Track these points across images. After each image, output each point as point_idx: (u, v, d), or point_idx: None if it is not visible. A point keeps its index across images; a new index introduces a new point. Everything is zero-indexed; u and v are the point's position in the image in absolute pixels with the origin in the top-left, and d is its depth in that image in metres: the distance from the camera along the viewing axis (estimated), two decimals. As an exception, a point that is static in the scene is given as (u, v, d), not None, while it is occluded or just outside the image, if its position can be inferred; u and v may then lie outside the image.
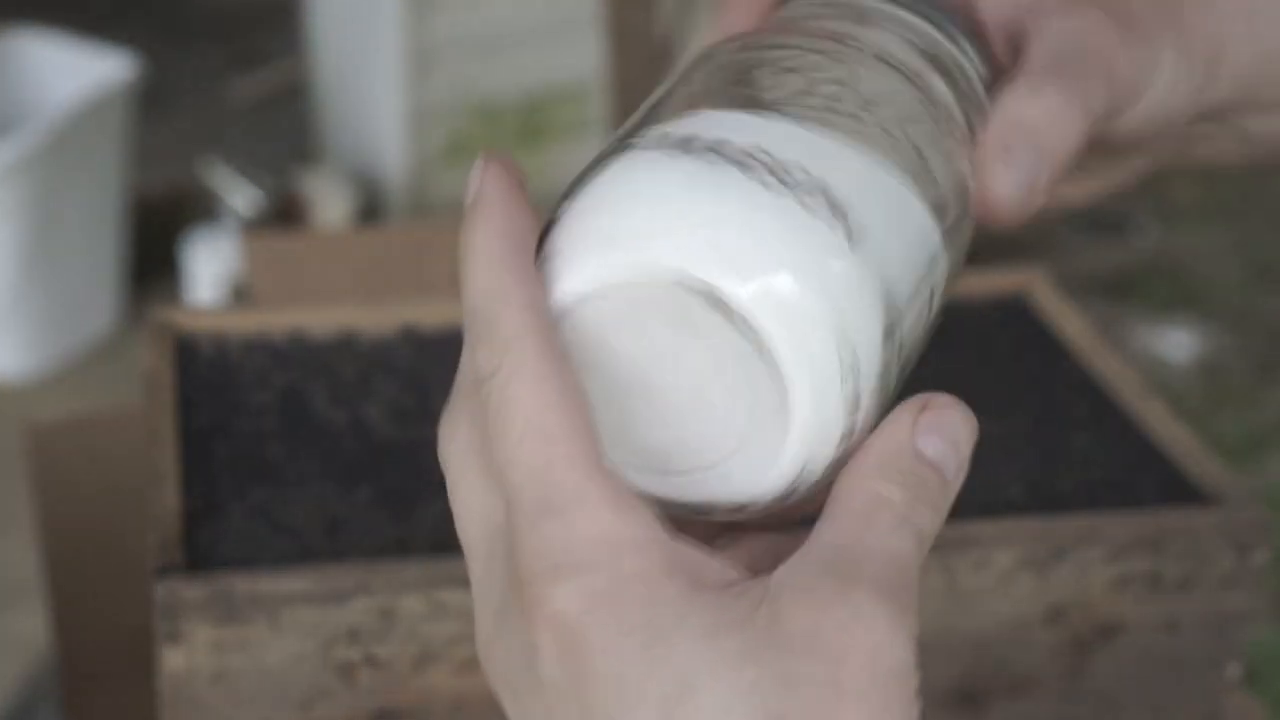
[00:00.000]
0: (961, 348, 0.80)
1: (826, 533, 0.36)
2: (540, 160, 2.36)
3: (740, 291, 0.35)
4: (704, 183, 0.36)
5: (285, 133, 2.73)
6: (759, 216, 0.35)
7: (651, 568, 0.34)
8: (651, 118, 0.39)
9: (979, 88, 0.43)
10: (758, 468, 0.37)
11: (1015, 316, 0.83)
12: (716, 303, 0.35)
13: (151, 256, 2.32)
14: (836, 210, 0.36)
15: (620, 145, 0.38)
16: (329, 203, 2.35)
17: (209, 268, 2.16)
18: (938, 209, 0.39)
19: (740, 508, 0.38)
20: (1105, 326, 0.70)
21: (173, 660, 0.59)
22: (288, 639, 0.60)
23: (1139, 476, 0.71)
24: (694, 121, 0.37)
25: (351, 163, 2.48)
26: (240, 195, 2.34)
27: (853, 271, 0.36)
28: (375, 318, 0.77)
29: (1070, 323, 0.81)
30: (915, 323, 0.40)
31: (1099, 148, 0.45)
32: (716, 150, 0.36)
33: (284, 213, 2.35)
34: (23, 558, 1.78)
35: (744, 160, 0.36)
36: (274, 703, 0.61)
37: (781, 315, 0.35)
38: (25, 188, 2.03)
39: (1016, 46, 0.44)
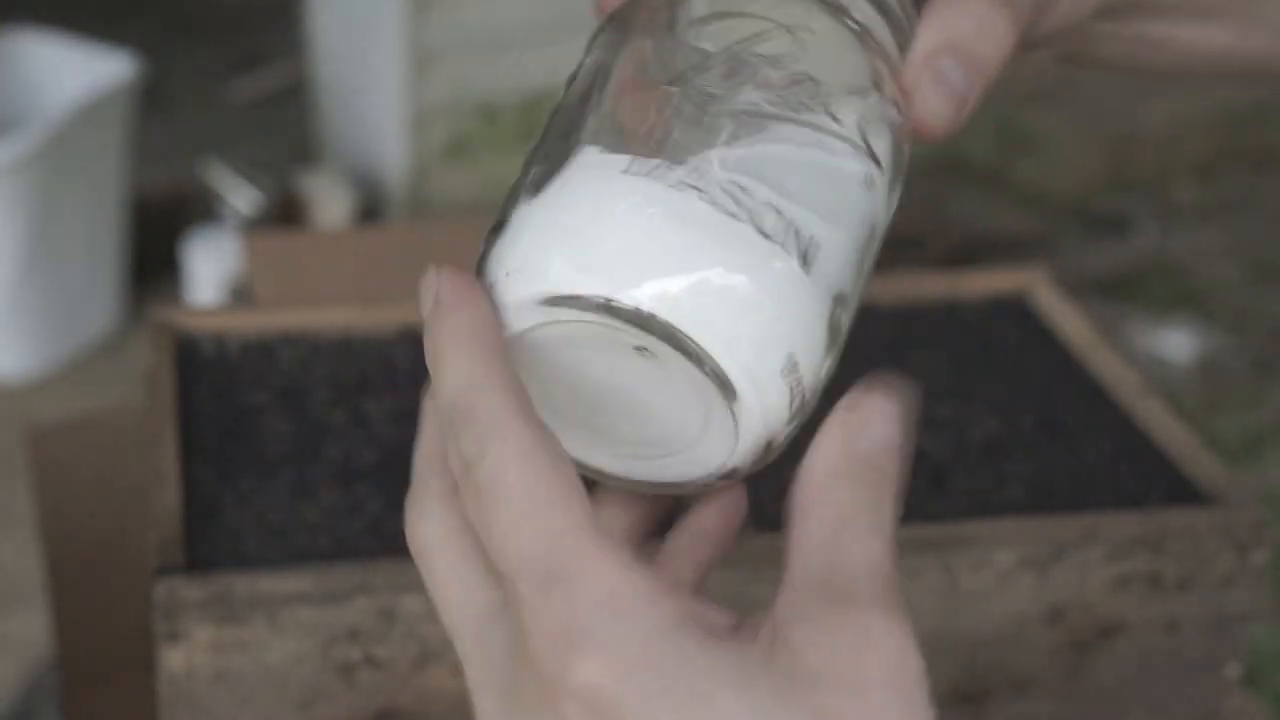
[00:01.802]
0: (961, 348, 0.80)
1: (808, 554, 0.36)
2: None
3: (656, 308, 0.36)
4: (622, 210, 0.37)
5: (285, 132, 2.73)
6: (667, 228, 0.36)
7: (666, 623, 0.34)
8: (578, 123, 0.39)
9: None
10: (721, 448, 0.38)
11: (1015, 316, 0.83)
12: (638, 319, 0.36)
13: (152, 256, 2.32)
14: (750, 206, 0.37)
15: (547, 166, 0.39)
16: (329, 202, 2.35)
17: (209, 267, 2.16)
18: (867, 181, 0.39)
19: (714, 480, 0.40)
20: (1105, 326, 0.71)
21: (173, 660, 0.59)
22: (288, 639, 0.60)
23: (1139, 476, 0.71)
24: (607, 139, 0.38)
25: (352, 163, 2.48)
26: (240, 195, 2.34)
27: (778, 264, 0.37)
28: (375, 317, 0.77)
29: (1070, 323, 0.81)
30: (857, 279, 0.40)
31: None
32: (651, 175, 0.37)
33: (284, 213, 2.35)
34: (23, 558, 1.78)
35: (679, 184, 0.37)
36: (274, 703, 0.61)
37: (698, 316, 0.36)
38: (26, 187, 2.03)
39: None
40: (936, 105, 0.40)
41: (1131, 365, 0.78)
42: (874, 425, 0.38)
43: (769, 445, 0.39)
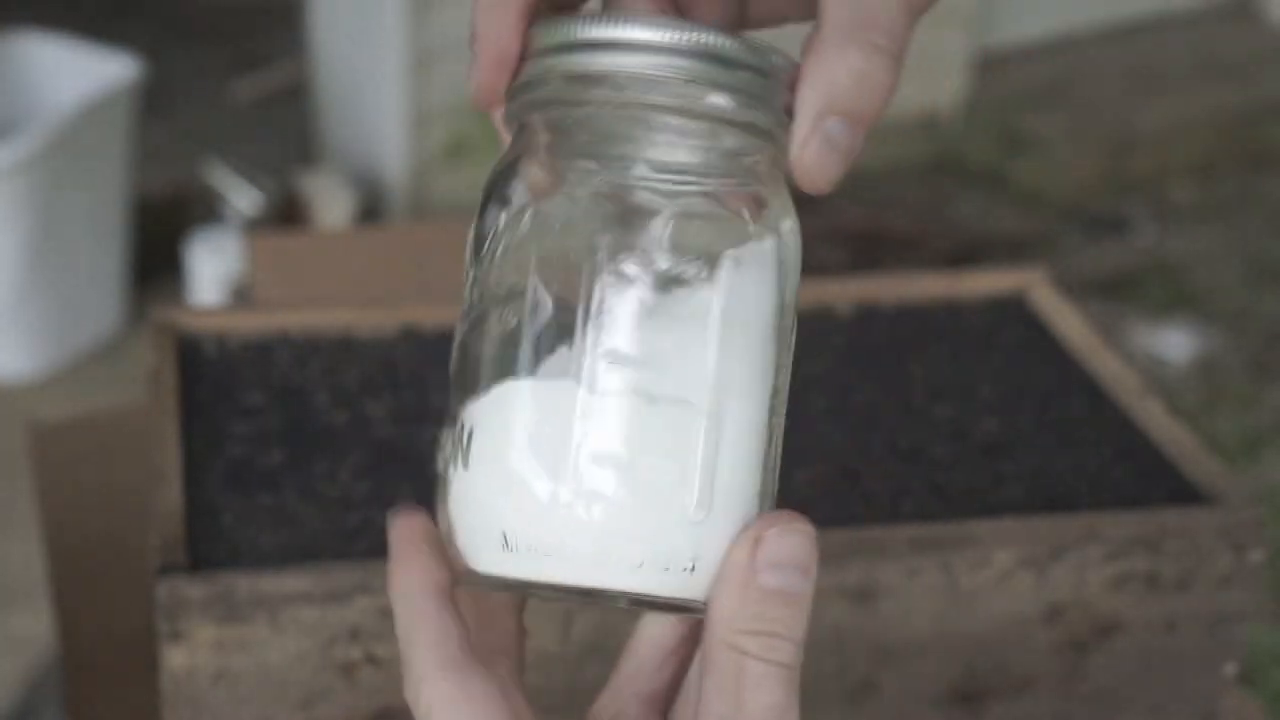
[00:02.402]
0: (961, 348, 0.80)
1: (709, 704, 0.40)
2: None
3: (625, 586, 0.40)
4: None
5: (286, 133, 2.73)
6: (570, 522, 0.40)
7: None
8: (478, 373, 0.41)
9: (777, 82, 0.41)
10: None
11: (1014, 316, 0.83)
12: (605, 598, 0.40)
13: (154, 257, 2.32)
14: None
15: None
16: (330, 203, 2.35)
17: (211, 268, 2.16)
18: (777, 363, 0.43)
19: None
20: (1104, 327, 0.71)
21: (174, 659, 0.59)
22: (289, 638, 0.60)
23: (1137, 476, 0.71)
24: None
25: (352, 163, 2.49)
26: (242, 195, 2.34)
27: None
28: (376, 317, 0.77)
29: (1069, 323, 0.81)
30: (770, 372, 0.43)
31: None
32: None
33: (285, 213, 2.35)
34: (26, 557, 1.78)
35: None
36: (275, 701, 0.61)
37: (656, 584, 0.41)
38: (28, 188, 2.03)
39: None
40: (826, 165, 0.41)
41: (1130, 365, 0.78)
42: (774, 552, 0.41)
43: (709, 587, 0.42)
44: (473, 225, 0.42)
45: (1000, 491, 0.69)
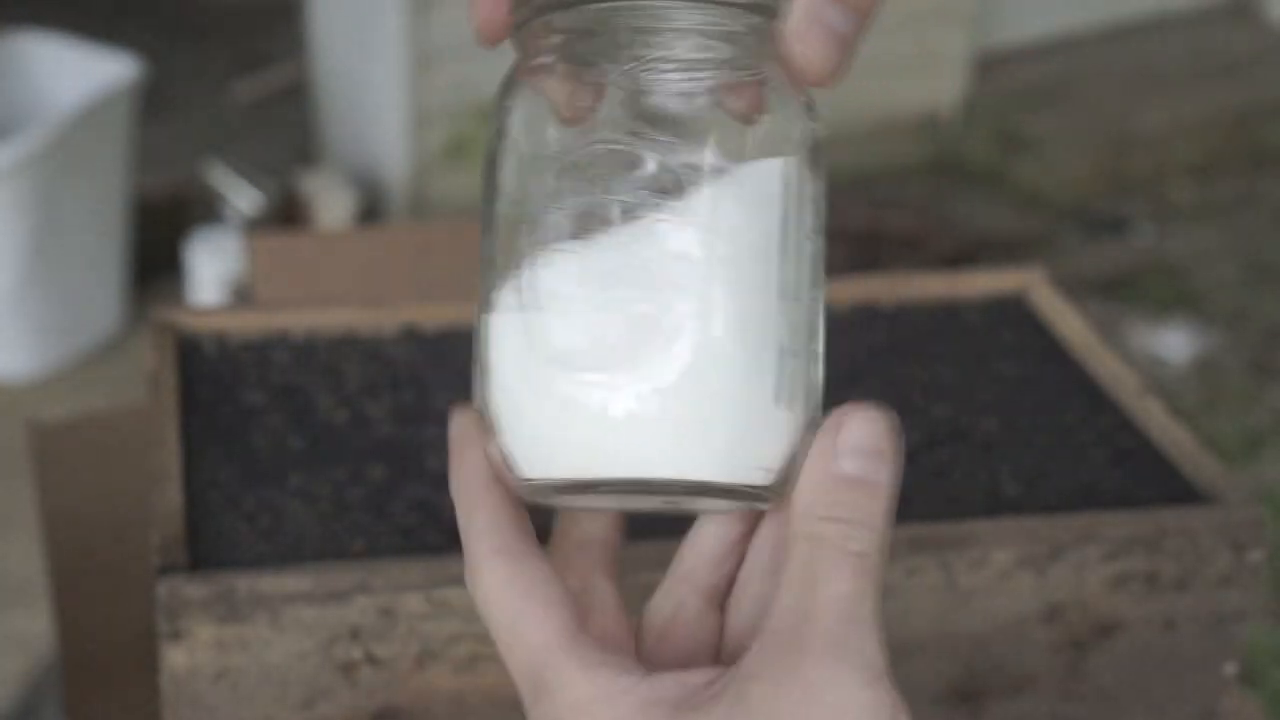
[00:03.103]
0: (961, 347, 0.80)
1: (781, 599, 0.40)
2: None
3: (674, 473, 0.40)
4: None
5: (287, 133, 2.73)
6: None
7: (631, 713, 0.40)
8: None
9: None
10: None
11: (1013, 316, 0.83)
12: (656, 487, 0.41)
13: (154, 257, 2.32)
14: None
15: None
16: (330, 203, 2.35)
17: (211, 268, 2.16)
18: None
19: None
20: (1103, 326, 0.71)
21: (175, 659, 0.59)
22: (289, 638, 0.60)
23: (1136, 476, 0.71)
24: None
25: (353, 163, 2.49)
26: (242, 195, 2.34)
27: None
28: (376, 317, 0.77)
29: (1068, 322, 0.81)
30: (786, 270, 0.42)
31: None
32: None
33: (286, 213, 2.36)
34: (26, 557, 1.78)
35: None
36: (275, 701, 0.61)
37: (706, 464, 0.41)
38: (29, 188, 2.03)
39: None
40: (827, 52, 0.41)
41: (1129, 365, 0.78)
42: (854, 439, 0.41)
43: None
44: (490, 132, 0.43)
45: (999, 491, 0.70)
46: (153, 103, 2.44)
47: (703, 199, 0.40)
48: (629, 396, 0.40)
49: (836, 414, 0.41)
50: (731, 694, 0.39)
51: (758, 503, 0.42)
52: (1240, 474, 2.02)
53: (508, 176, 0.43)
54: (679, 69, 0.41)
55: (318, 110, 2.60)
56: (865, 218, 2.47)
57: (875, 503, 0.40)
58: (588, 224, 0.40)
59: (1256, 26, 3.31)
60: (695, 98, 0.41)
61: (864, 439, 0.41)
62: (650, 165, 0.40)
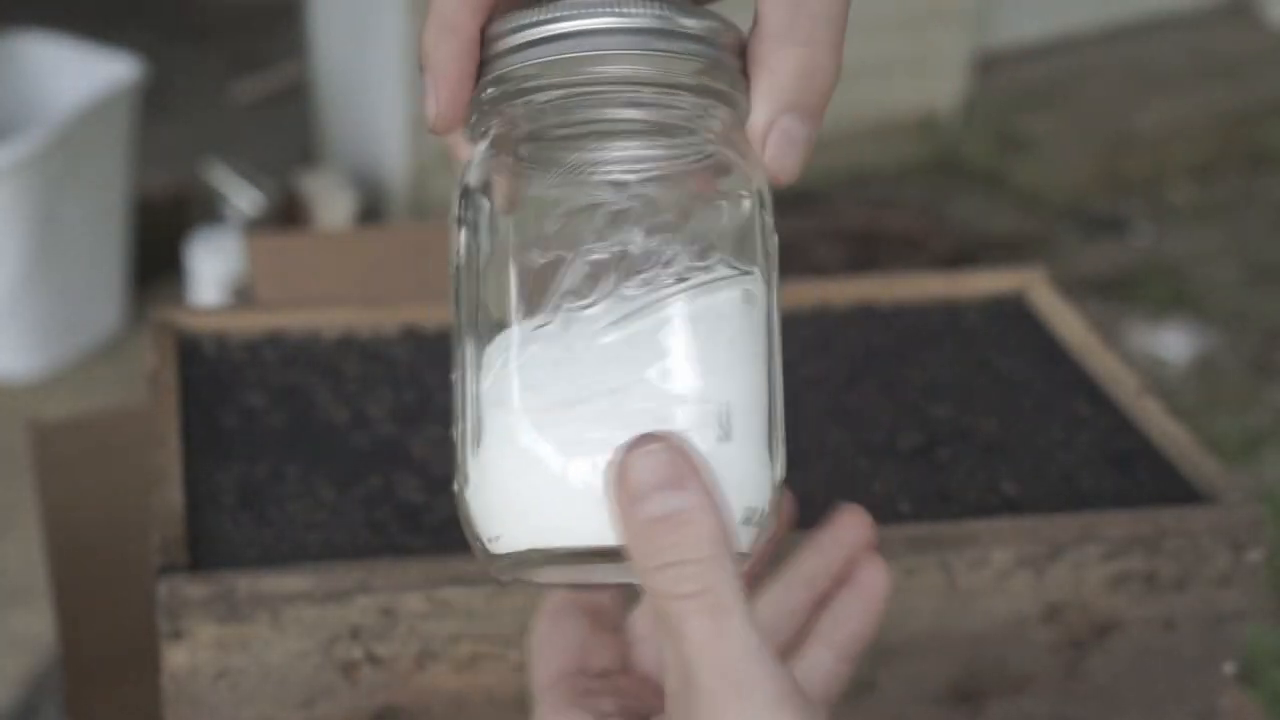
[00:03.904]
0: (960, 347, 0.80)
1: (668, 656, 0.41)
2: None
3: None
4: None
5: (287, 134, 2.73)
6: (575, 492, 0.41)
7: None
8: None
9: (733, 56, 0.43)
10: None
11: (1013, 316, 0.83)
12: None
13: (154, 257, 2.32)
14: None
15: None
16: (331, 203, 2.35)
17: (211, 268, 2.16)
18: (746, 297, 0.43)
19: None
20: (1102, 326, 0.71)
21: (175, 658, 0.59)
22: (290, 637, 0.60)
23: (1135, 476, 0.71)
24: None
25: (353, 164, 2.49)
26: (242, 196, 2.34)
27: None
28: (376, 318, 0.77)
29: (1068, 322, 0.81)
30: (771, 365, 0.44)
31: None
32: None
33: (286, 213, 2.36)
34: (26, 557, 1.78)
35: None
36: (276, 701, 0.61)
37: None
38: (29, 188, 2.03)
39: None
40: (788, 159, 0.42)
41: (1128, 365, 0.78)
42: (637, 479, 0.40)
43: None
44: (451, 239, 0.44)
45: (999, 491, 0.70)
46: (153, 103, 2.44)
47: (674, 308, 0.41)
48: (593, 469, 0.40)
49: (618, 463, 0.40)
50: None
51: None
52: (1239, 474, 2.02)
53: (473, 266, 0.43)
54: (626, 165, 0.42)
55: (318, 110, 2.60)
56: (864, 218, 2.47)
57: (687, 533, 0.39)
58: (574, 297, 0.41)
59: (1256, 26, 3.31)
60: (645, 187, 0.42)
61: (644, 475, 0.39)
62: (618, 253, 0.41)
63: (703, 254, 0.42)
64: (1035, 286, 0.84)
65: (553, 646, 0.47)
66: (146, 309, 2.08)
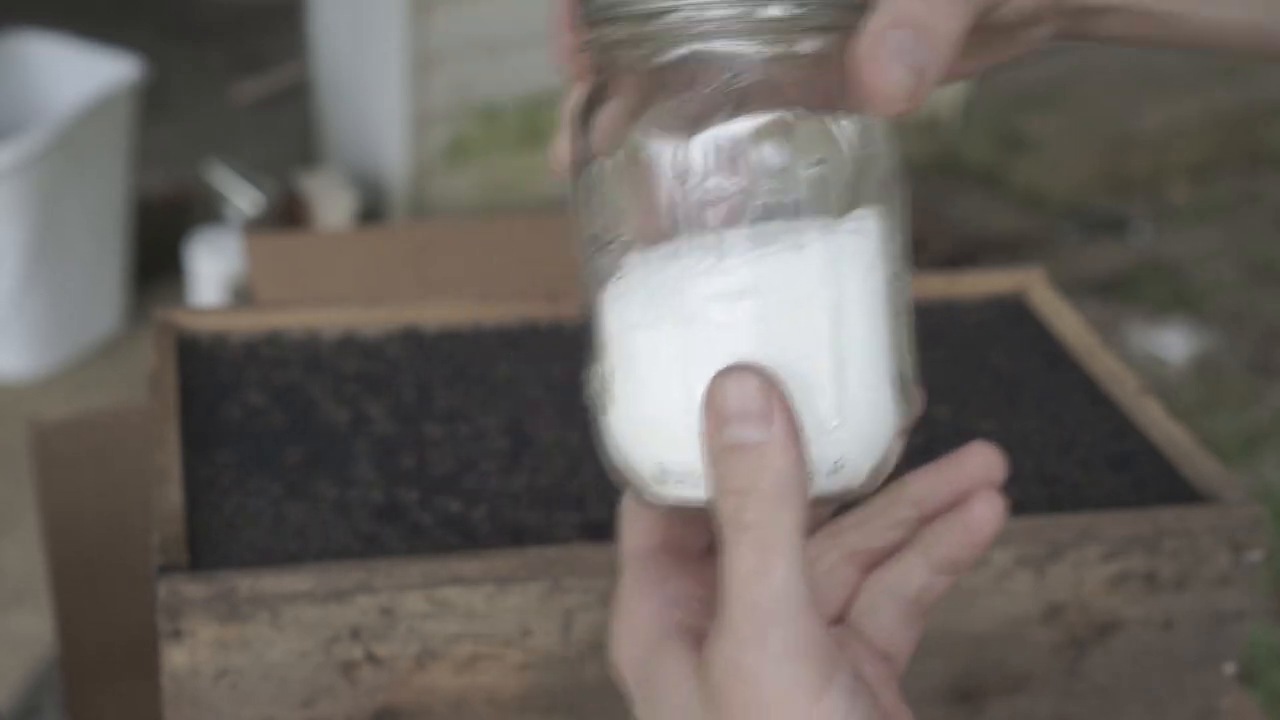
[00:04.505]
0: (960, 347, 0.80)
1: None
2: (540, 161, 2.37)
3: None
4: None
5: (287, 134, 2.73)
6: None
7: None
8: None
9: None
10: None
11: (1013, 316, 0.83)
12: None
13: (155, 257, 2.32)
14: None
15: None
16: (331, 203, 2.35)
17: (211, 268, 2.16)
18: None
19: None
20: (1102, 326, 0.71)
21: (176, 658, 0.59)
22: (290, 637, 0.60)
23: (1135, 476, 0.71)
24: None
25: (353, 164, 2.49)
26: (243, 196, 2.34)
27: None
28: (377, 318, 0.77)
29: (1067, 322, 0.81)
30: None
31: (990, 26, 0.44)
32: None
33: (286, 213, 2.36)
34: (26, 557, 1.78)
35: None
36: (276, 700, 0.61)
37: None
38: (30, 188, 2.03)
39: None
40: (894, 74, 0.40)
41: (1128, 365, 0.78)
42: (724, 406, 0.41)
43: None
44: (571, 164, 0.44)
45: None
46: (153, 103, 2.44)
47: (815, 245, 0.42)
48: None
49: (712, 385, 0.40)
50: (701, 673, 0.41)
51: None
52: (1239, 474, 2.02)
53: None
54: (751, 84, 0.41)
55: (318, 111, 2.60)
56: (865, 218, 2.47)
57: (759, 465, 0.39)
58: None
59: (1256, 27, 3.31)
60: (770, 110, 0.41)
61: (731, 403, 0.40)
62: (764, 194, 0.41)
63: (826, 199, 0.42)
64: (1035, 286, 0.84)
65: (642, 520, 0.46)
66: (146, 309, 2.08)
